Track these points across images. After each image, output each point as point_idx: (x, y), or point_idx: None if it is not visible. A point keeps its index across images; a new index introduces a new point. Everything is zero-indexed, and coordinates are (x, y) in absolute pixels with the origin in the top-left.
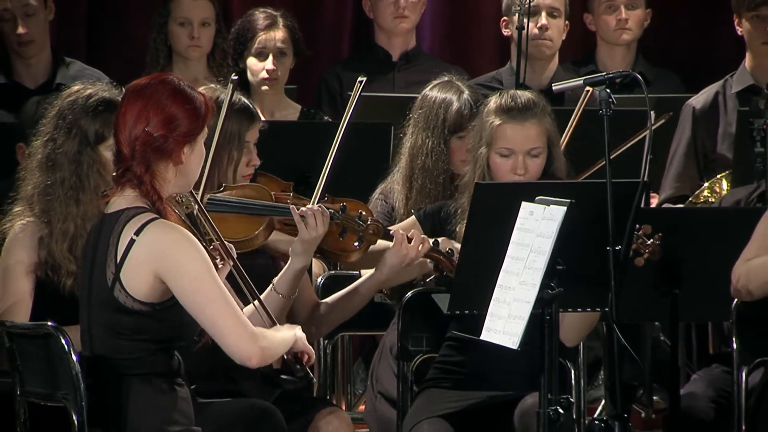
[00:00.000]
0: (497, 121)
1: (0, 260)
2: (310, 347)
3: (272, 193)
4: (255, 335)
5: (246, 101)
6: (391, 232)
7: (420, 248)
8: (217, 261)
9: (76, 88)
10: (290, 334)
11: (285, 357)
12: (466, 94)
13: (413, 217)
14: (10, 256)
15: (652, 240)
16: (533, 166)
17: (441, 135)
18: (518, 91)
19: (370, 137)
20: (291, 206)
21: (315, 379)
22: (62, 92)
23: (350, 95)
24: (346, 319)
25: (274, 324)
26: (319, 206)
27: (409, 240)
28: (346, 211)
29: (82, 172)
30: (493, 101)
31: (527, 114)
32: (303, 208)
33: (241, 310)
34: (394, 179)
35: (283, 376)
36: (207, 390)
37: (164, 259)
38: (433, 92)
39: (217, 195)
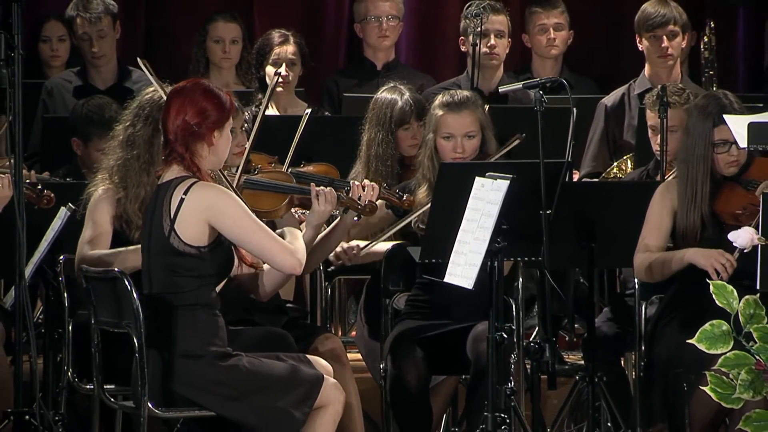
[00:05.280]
0: (440, 113)
1: (88, 211)
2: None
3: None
4: (293, 252)
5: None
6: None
7: (373, 192)
8: None
9: (152, 88)
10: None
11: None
12: (407, 95)
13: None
14: (96, 208)
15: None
16: (469, 146)
17: (389, 128)
18: (456, 90)
19: (361, 127)
20: (312, 185)
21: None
22: (142, 91)
23: (345, 96)
24: (327, 255)
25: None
26: (330, 189)
27: (363, 188)
28: (349, 193)
29: (154, 151)
30: (438, 99)
31: (462, 106)
32: (317, 188)
33: None
34: (359, 165)
35: (289, 305)
36: (231, 319)
37: (211, 208)
38: (381, 95)
39: (252, 177)
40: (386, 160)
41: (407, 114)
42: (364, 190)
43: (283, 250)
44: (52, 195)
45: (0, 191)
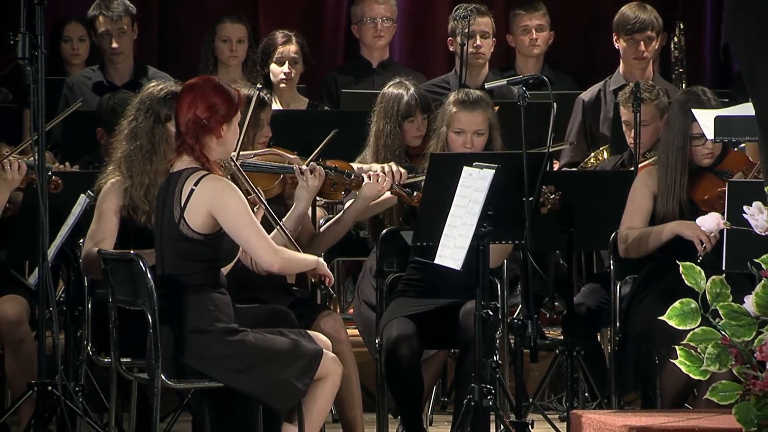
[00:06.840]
0: (454, 109)
1: (97, 206)
2: (330, 272)
3: (288, 156)
4: (277, 250)
5: (263, 95)
6: (363, 175)
7: (385, 184)
8: (255, 208)
9: (152, 83)
10: (312, 259)
11: (312, 280)
12: (412, 90)
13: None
14: (103, 204)
15: (553, 196)
16: (478, 143)
17: (396, 120)
18: (471, 90)
19: (358, 121)
20: (294, 165)
21: (334, 294)
22: (143, 87)
23: (344, 92)
24: (335, 241)
25: (295, 248)
26: (314, 165)
27: (377, 179)
28: (337, 170)
29: (155, 141)
30: (453, 95)
31: (475, 105)
32: (303, 166)
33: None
34: (366, 154)
35: (294, 288)
36: (240, 297)
37: (215, 200)
38: (388, 90)
39: (247, 160)
40: (394, 150)
41: (413, 107)
42: (378, 181)
43: (266, 246)
44: (60, 181)
45: (10, 174)
